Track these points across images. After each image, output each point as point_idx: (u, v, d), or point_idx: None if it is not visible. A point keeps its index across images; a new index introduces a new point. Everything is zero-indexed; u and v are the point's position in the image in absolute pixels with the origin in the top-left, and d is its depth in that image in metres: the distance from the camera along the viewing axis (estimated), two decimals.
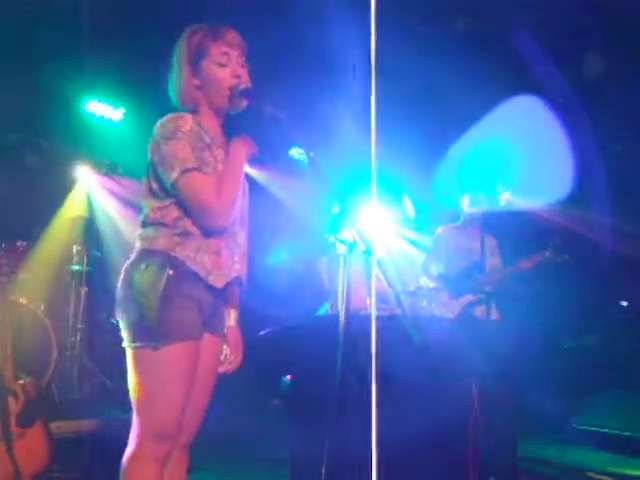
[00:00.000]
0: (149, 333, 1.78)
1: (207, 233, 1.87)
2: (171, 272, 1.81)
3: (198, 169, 1.82)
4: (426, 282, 4.86)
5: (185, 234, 1.85)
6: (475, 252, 4.75)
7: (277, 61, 4.68)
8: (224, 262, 1.91)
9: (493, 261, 4.80)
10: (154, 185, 1.89)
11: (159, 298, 1.78)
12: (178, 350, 1.79)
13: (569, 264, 4.46)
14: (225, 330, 2.06)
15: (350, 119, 5.81)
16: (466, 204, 4.87)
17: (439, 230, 4.94)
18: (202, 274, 1.85)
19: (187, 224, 1.85)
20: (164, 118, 1.89)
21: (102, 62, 4.96)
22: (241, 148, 1.95)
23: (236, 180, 1.90)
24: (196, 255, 1.85)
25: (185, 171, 1.80)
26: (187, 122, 1.86)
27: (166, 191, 1.86)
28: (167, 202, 1.87)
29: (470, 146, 5.65)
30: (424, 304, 4.70)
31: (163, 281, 1.79)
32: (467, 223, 4.86)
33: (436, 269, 4.84)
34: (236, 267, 1.95)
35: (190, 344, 1.82)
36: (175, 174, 1.81)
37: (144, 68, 4.63)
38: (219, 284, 1.89)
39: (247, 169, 2.01)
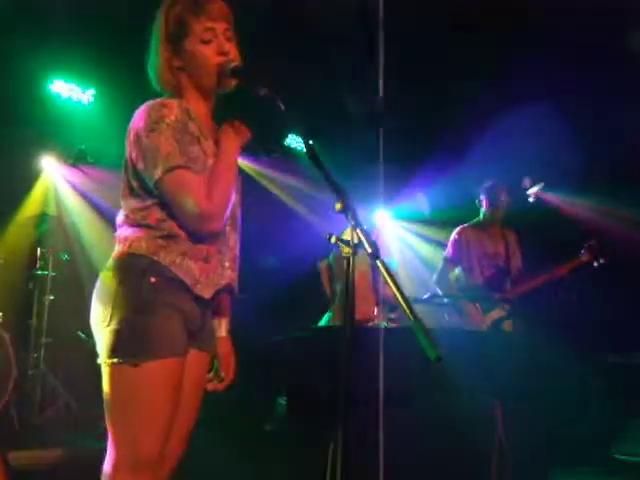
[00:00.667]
0: (128, 348, 1.78)
1: (196, 237, 1.86)
2: (153, 279, 1.81)
3: (185, 167, 1.81)
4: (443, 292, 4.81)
5: (170, 237, 1.84)
6: (500, 256, 4.74)
7: (274, 40, 4.70)
8: (213, 269, 1.90)
9: (515, 262, 4.78)
10: (134, 183, 1.88)
11: (140, 308, 1.78)
12: (161, 367, 1.79)
13: (606, 268, 4.45)
14: (215, 343, 2.06)
15: (356, 104, 5.84)
16: (485, 204, 4.83)
17: (458, 232, 4.83)
18: (188, 282, 1.84)
19: (173, 226, 1.84)
20: (144, 106, 1.87)
21: (68, 35, 4.95)
22: (233, 139, 1.93)
23: (229, 177, 1.89)
24: (182, 261, 1.84)
25: (170, 169, 1.79)
26: (172, 111, 1.84)
27: (148, 190, 1.85)
28: (149, 202, 1.86)
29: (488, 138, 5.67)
30: (446, 317, 4.66)
31: (144, 289, 1.80)
32: (487, 221, 4.83)
33: (456, 277, 4.77)
34: (227, 274, 1.95)
35: (174, 361, 1.82)
36: (158, 172, 1.79)
37: (116, 42, 4.63)
38: (207, 294, 1.89)
39: (239, 160, 2.00)
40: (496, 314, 4.54)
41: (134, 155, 1.85)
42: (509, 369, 3.10)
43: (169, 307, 1.81)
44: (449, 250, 4.85)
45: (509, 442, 2.94)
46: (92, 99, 5.96)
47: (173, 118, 1.83)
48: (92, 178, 6.05)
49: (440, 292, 4.79)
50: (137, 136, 1.83)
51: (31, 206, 5.89)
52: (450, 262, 4.82)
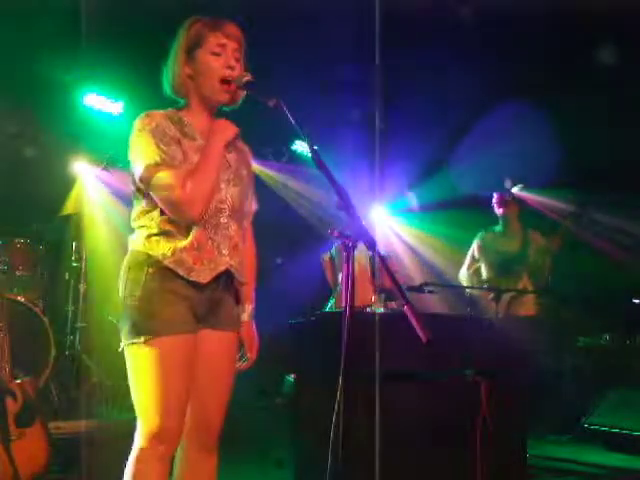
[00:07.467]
0: (135, 330, 1.84)
1: (184, 230, 1.88)
2: (151, 270, 1.86)
3: (161, 163, 1.85)
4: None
5: (160, 233, 1.89)
6: (511, 251, 4.81)
7: (281, 52, 4.68)
8: (208, 256, 1.90)
9: (536, 258, 4.78)
10: (132, 187, 1.97)
11: (141, 295, 1.85)
12: (164, 345, 1.82)
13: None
14: (234, 322, 2.05)
15: (355, 112, 5.81)
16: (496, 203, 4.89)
17: (478, 238, 5.02)
18: (181, 271, 1.86)
19: (161, 223, 1.89)
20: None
21: (100, 54, 4.96)
22: (217, 135, 1.93)
23: (207, 168, 1.88)
24: (173, 253, 1.86)
25: (148, 166, 1.85)
26: (153, 119, 1.91)
27: (140, 193, 1.93)
28: (140, 207, 1.94)
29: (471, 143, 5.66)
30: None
31: (143, 279, 1.85)
32: (505, 226, 4.92)
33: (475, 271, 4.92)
34: (225, 260, 1.93)
35: (177, 338, 1.84)
36: (140, 170, 1.86)
37: (143, 60, 4.61)
38: (203, 279, 1.89)
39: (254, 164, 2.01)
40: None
41: (130, 161, 1.93)
42: (494, 350, 3.09)
43: (168, 292, 1.85)
44: (470, 252, 5.05)
45: (493, 415, 2.93)
46: (121, 111, 5.96)
47: (154, 124, 1.90)
48: (121, 181, 6.04)
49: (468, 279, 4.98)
50: (129, 144, 1.93)
51: (68, 205, 5.91)
52: (471, 263, 5.02)
